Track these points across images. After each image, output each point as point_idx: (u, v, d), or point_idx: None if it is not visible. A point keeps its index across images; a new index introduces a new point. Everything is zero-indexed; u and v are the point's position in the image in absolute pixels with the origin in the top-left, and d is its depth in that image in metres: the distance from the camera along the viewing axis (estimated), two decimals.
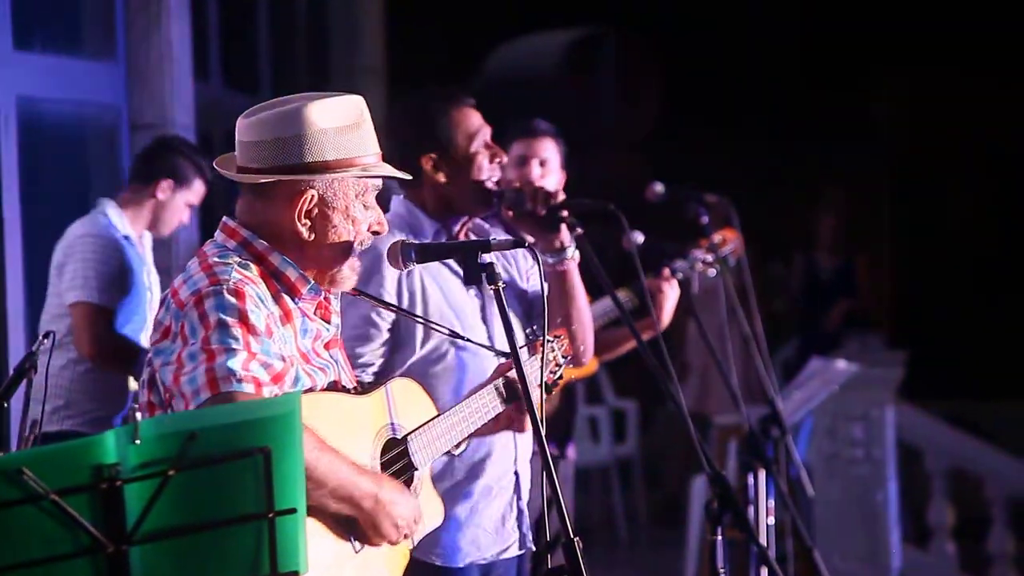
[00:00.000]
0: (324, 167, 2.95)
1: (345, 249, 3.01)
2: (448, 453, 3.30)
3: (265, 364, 2.81)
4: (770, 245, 9.40)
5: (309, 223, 2.97)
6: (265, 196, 2.99)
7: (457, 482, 3.66)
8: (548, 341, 3.40)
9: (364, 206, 3.02)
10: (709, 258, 5.02)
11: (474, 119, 3.76)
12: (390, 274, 3.55)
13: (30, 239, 5.60)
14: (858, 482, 7.50)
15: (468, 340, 3.45)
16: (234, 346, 2.79)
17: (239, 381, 2.76)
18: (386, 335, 3.59)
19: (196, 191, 5.26)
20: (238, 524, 2.38)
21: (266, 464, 2.37)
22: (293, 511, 2.41)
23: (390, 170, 3.04)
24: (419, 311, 3.59)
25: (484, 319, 3.71)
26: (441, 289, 3.64)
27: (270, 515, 2.39)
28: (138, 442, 2.28)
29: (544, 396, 3.20)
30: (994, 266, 10.81)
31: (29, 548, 2.25)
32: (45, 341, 3.75)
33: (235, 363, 2.77)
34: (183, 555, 2.36)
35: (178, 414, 2.62)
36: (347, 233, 3.00)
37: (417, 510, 3.04)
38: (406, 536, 3.03)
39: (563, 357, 3.48)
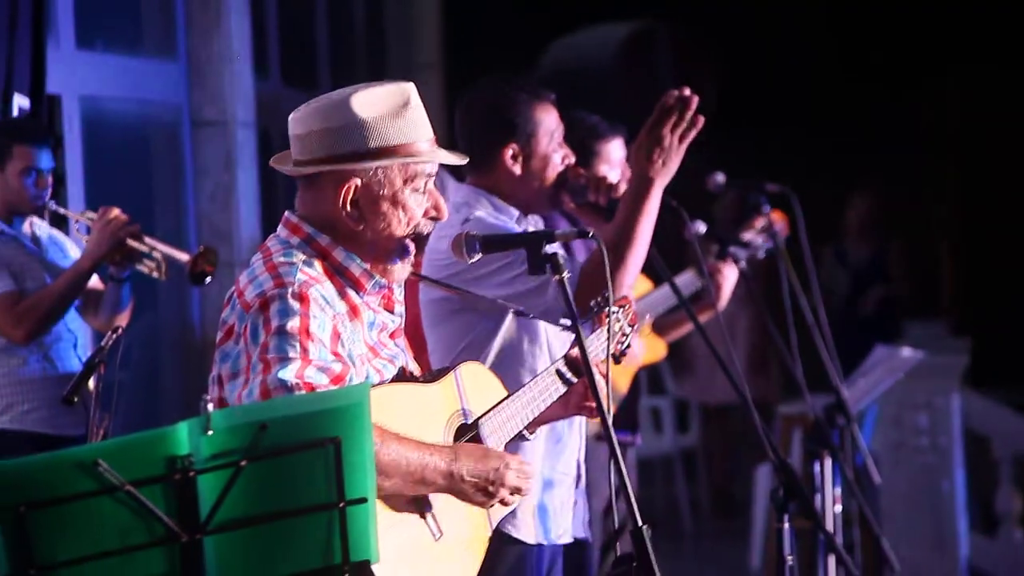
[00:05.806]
0: (367, 155, 2.94)
1: (398, 237, 2.98)
2: (522, 438, 3.30)
3: (323, 368, 2.80)
4: (828, 239, 9.32)
5: (356, 212, 2.96)
6: (315, 187, 2.99)
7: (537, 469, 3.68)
8: (613, 311, 3.37)
9: (415, 192, 2.99)
10: (760, 240, 5.10)
11: (554, 117, 3.76)
12: None
13: None
14: (924, 471, 7.44)
15: (533, 317, 3.47)
16: (291, 354, 2.78)
17: (290, 389, 2.75)
18: None
19: (21, 156, 4.80)
20: (309, 514, 2.40)
21: (336, 454, 2.39)
22: (364, 500, 2.43)
23: (442, 156, 3.01)
24: None
25: None
26: None
27: (341, 505, 2.41)
28: (210, 433, 2.30)
29: (611, 365, 3.18)
30: None
31: (105, 539, 2.28)
32: (114, 336, 3.79)
33: (287, 373, 2.76)
34: (256, 545, 2.38)
35: (249, 405, 2.64)
36: (397, 221, 2.97)
37: (500, 468, 2.98)
38: (504, 503, 3.01)
39: (629, 326, 3.46)
